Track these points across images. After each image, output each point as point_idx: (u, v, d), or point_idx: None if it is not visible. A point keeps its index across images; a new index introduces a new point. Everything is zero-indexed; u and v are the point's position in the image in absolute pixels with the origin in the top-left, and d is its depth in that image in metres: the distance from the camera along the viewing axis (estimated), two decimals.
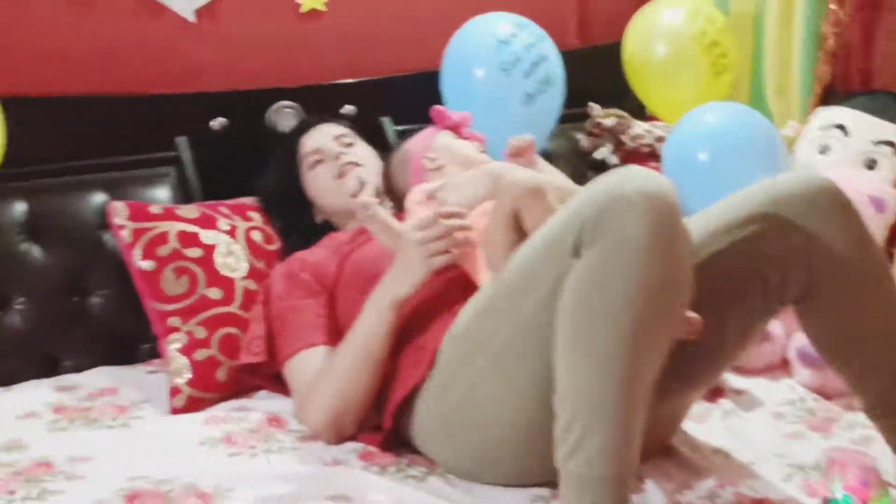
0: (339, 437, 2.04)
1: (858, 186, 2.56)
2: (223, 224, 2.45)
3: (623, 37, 3.18)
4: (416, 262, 1.97)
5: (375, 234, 2.07)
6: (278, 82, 2.85)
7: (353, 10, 3.00)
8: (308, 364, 2.11)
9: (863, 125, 2.83)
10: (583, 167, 3.07)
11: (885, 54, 2.91)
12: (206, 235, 2.40)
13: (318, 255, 2.32)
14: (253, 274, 2.41)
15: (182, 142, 2.71)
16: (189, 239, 2.38)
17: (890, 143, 2.79)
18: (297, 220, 2.58)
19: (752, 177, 2.58)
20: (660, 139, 3.01)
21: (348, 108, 2.87)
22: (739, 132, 2.73)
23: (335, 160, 2.48)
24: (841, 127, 2.85)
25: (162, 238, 2.36)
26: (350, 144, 2.54)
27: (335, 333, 2.14)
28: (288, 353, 2.15)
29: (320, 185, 2.50)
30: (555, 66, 2.86)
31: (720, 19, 3.12)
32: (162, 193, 2.64)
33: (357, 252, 2.27)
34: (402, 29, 3.08)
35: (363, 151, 2.55)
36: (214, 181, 2.70)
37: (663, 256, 1.58)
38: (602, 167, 3.03)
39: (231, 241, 2.43)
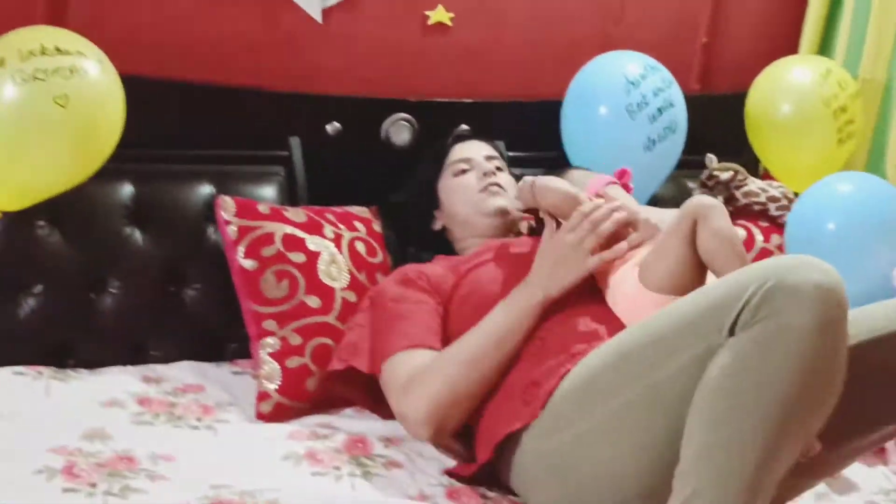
0: (438, 432, 2.00)
1: None
2: (329, 231, 2.39)
3: (749, 89, 3.09)
4: (571, 261, 2.06)
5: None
6: (397, 93, 2.78)
7: (479, 29, 2.92)
8: (414, 361, 2.06)
9: None
10: None
11: None
12: (312, 242, 2.34)
13: (434, 268, 2.29)
14: (353, 286, 2.35)
15: (295, 142, 2.65)
16: (295, 243, 2.32)
17: None
18: (419, 226, 2.55)
19: (881, 253, 2.57)
20: (773, 199, 2.91)
21: (463, 128, 2.80)
22: (873, 205, 2.62)
23: (483, 176, 2.45)
24: None
25: (268, 239, 2.30)
26: (499, 169, 2.51)
27: (445, 345, 2.10)
28: (392, 350, 2.09)
29: (460, 190, 2.46)
30: (680, 114, 2.78)
31: (851, 85, 3.02)
32: (268, 192, 2.57)
33: (476, 271, 2.23)
34: (526, 53, 3.00)
35: (507, 179, 2.51)
36: (323, 186, 2.64)
37: (826, 351, 1.55)
38: None
39: (335, 249, 2.36)
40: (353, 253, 2.40)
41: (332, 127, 2.67)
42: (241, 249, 2.29)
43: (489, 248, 2.34)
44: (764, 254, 2.82)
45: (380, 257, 2.48)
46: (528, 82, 2.99)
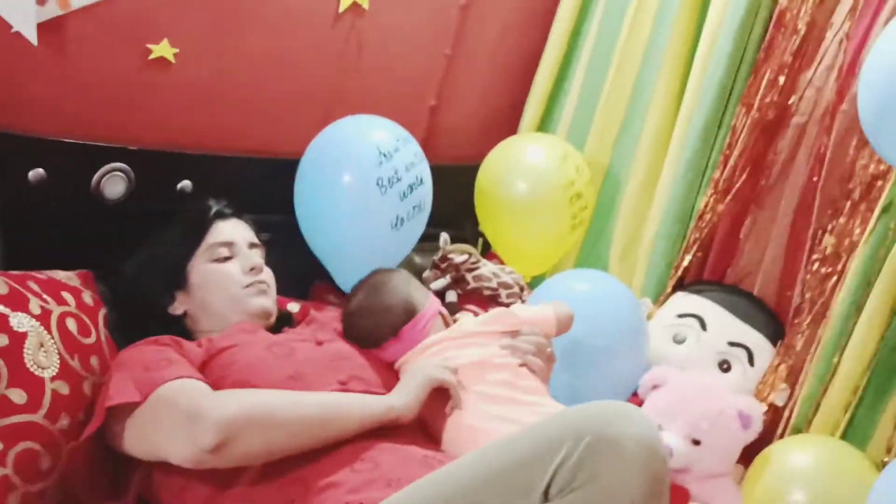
0: (226, 445, 1.71)
1: (731, 399, 2.40)
2: (35, 306, 1.93)
3: (481, 162, 2.93)
4: (420, 372, 1.95)
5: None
6: (113, 137, 2.35)
7: (205, 68, 2.51)
8: (202, 387, 1.83)
9: (722, 322, 2.70)
10: None
11: (747, 252, 2.81)
12: (16, 319, 1.88)
13: (186, 344, 2.00)
14: (65, 374, 1.91)
15: None
16: None
17: (745, 348, 2.66)
18: (152, 306, 2.16)
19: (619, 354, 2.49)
20: (504, 285, 2.75)
21: (185, 184, 2.43)
22: (607, 305, 2.55)
23: (249, 271, 2.16)
24: (700, 319, 2.70)
25: None
26: (262, 261, 2.23)
27: None
28: (168, 377, 1.82)
29: (221, 281, 2.15)
30: (428, 191, 2.55)
31: (586, 171, 2.92)
32: None
33: (231, 351, 1.97)
34: (256, 100, 2.64)
35: (269, 274, 2.23)
36: (22, 245, 2.17)
37: None
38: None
39: (43, 329, 1.92)
40: (64, 332, 1.96)
41: (36, 174, 2.20)
42: None
43: (243, 329, 2.05)
44: None
45: (93, 337, 2.05)
46: (261, 134, 2.66)
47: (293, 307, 2.41)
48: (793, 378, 2.55)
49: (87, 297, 2.12)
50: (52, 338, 1.93)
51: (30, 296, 1.96)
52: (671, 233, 2.84)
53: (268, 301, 2.17)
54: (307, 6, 2.63)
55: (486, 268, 2.77)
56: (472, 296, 2.75)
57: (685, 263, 2.81)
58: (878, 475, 2.09)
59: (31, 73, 2.19)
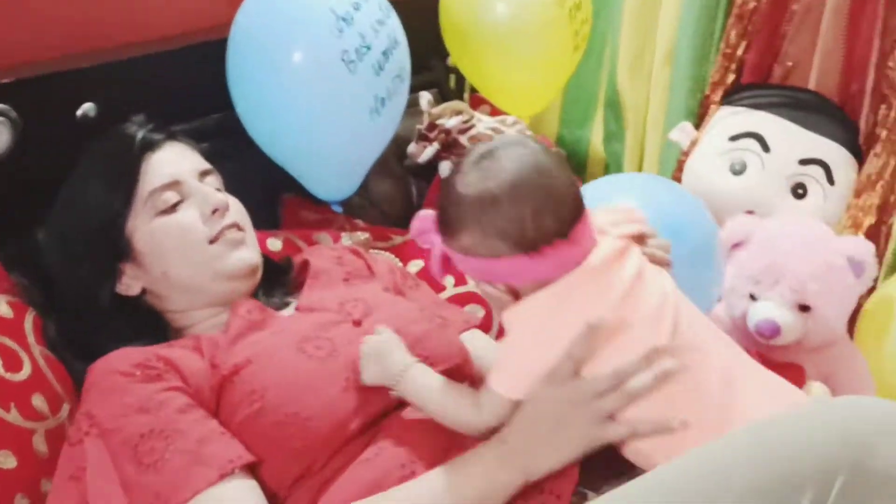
0: None
1: (835, 245, 1.89)
2: None
3: None
4: (577, 429, 1.22)
5: None
6: None
7: None
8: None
9: (786, 136, 2.15)
10: (398, 169, 2.20)
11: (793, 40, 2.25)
12: None
13: (171, 351, 1.40)
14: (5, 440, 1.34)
15: None
16: None
17: (821, 164, 2.13)
18: (89, 293, 1.52)
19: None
20: None
21: (86, 108, 1.78)
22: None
23: (211, 215, 1.50)
24: (759, 138, 2.15)
25: None
26: (219, 191, 1.56)
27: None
28: (190, 492, 1.24)
29: (177, 240, 1.49)
30: (406, 52, 1.93)
31: None
32: None
33: (253, 367, 1.36)
34: None
35: (237, 205, 1.57)
36: None
37: None
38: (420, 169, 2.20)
39: None
40: None
41: None
42: None
43: (244, 319, 1.46)
44: None
45: (27, 367, 1.43)
46: (159, 19, 1.97)
47: (274, 244, 1.82)
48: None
49: (2, 306, 1.49)
50: None
51: None
52: (698, 31, 2.26)
53: (249, 252, 1.52)
54: None
55: (483, 124, 2.18)
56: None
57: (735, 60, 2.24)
58: None
59: None
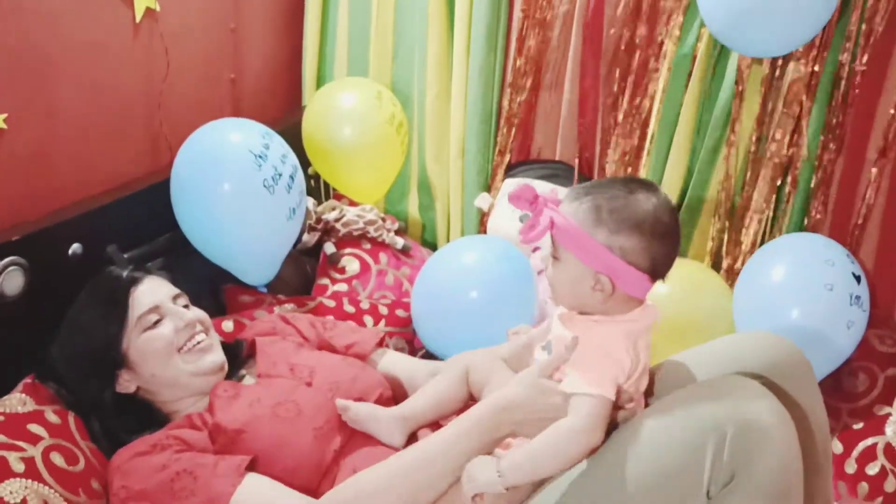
0: None
1: None
2: (14, 462, 1.24)
3: (303, 118, 2.28)
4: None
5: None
6: None
7: (34, 129, 1.72)
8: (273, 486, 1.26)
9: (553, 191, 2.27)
10: (295, 253, 2.16)
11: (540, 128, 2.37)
12: (8, 490, 1.19)
13: (181, 431, 1.35)
14: None
15: None
16: None
17: None
18: (99, 396, 1.44)
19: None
20: (370, 223, 2.20)
21: (75, 248, 1.68)
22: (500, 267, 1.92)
23: (184, 328, 1.46)
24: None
25: None
26: (186, 307, 1.51)
27: None
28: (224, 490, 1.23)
29: (158, 349, 1.43)
30: (300, 172, 1.92)
31: (396, 100, 2.34)
32: None
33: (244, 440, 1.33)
34: (86, 146, 1.85)
35: (204, 319, 1.51)
36: None
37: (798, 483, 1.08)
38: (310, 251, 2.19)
39: (36, 484, 1.23)
40: (56, 472, 1.28)
41: None
42: None
43: (224, 397, 1.41)
44: (381, 276, 2.13)
45: (82, 461, 1.34)
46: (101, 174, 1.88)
47: (227, 325, 1.77)
48: None
49: (51, 415, 1.40)
50: (49, 487, 1.25)
51: (2, 452, 1.25)
52: (480, 131, 2.34)
53: (215, 356, 1.48)
54: (106, 26, 1.84)
55: (350, 213, 2.20)
56: (345, 240, 2.19)
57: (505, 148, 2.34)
58: None
59: None
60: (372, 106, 2.23)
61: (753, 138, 2.05)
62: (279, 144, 1.84)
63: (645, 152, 2.17)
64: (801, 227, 2.08)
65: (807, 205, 2.06)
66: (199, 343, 1.46)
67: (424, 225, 2.59)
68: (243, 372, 1.54)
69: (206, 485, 1.23)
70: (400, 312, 2.01)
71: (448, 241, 2.49)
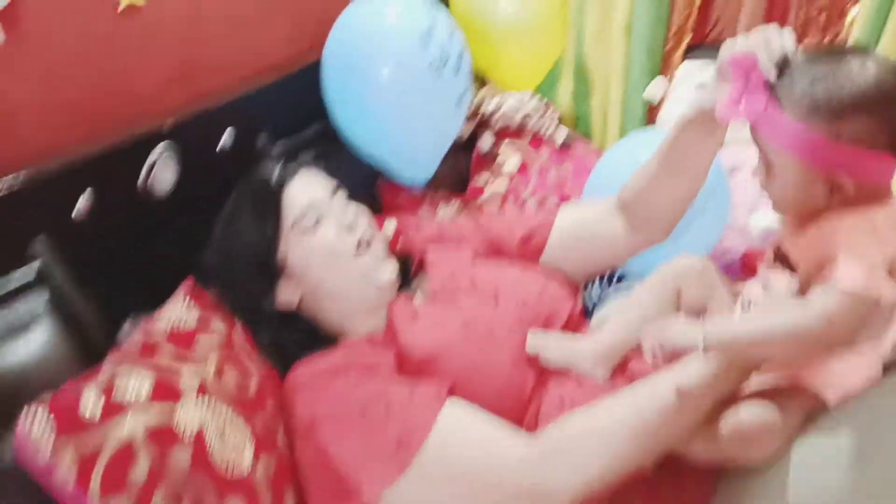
0: None
1: None
2: (189, 380, 1.07)
3: None
4: None
5: None
6: (110, 119, 1.39)
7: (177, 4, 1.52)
8: (477, 414, 1.06)
9: None
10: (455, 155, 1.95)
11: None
12: (182, 416, 1.02)
13: (361, 351, 1.19)
14: (261, 446, 1.07)
15: (41, 243, 1.20)
16: (162, 437, 0.98)
17: None
18: (260, 306, 1.26)
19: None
20: (527, 116, 1.96)
21: (225, 137, 1.50)
22: None
23: (348, 229, 1.25)
24: None
25: (124, 456, 0.94)
26: (346, 203, 1.30)
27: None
28: (430, 415, 1.04)
29: (325, 254, 1.24)
30: (468, 54, 1.68)
31: None
32: (35, 341, 1.14)
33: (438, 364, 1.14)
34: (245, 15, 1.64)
35: (365, 213, 1.31)
36: (100, 288, 1.25)
37: None
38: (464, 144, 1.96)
39: (212, 405, 1.07)
40: (233, 395, 1.10)
41: (82, 204, 1.25)
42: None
43: (403, 316, 1.22)
44: (542, 174, 1.90)
45: (255, 378, 1.17)
46: (255, 51, 1.68)
47: (389, 226, 1.58)
48: None
49: (218, 323, 1.22)
50: (227, 410, 1.08)
51: (177, 366, 1.08)
52: (651, 4, 2.03)
53: (391, 264, 1.29)
54: None
55: (508, 104, 1.96)
56: (502, 133, 1.95)
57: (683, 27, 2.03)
58: None
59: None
60: None
61: None
62: (444, 21, 1.60)
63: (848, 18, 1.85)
64: None
65: None
66: (370, 245, 1.26)
67: (578, 117, 2.33)
68: (414, 286, 1.35)
69: (403, 413, 1.05)
70: None
71: (605, 135, 2.23)
